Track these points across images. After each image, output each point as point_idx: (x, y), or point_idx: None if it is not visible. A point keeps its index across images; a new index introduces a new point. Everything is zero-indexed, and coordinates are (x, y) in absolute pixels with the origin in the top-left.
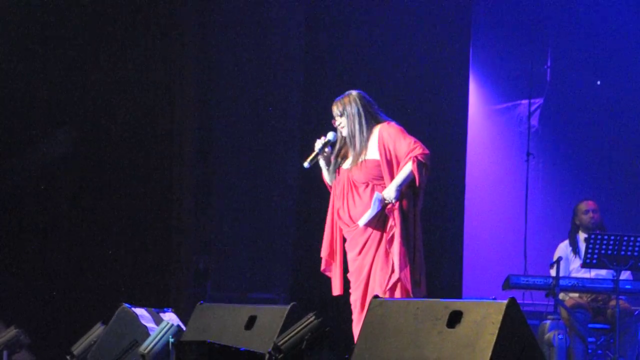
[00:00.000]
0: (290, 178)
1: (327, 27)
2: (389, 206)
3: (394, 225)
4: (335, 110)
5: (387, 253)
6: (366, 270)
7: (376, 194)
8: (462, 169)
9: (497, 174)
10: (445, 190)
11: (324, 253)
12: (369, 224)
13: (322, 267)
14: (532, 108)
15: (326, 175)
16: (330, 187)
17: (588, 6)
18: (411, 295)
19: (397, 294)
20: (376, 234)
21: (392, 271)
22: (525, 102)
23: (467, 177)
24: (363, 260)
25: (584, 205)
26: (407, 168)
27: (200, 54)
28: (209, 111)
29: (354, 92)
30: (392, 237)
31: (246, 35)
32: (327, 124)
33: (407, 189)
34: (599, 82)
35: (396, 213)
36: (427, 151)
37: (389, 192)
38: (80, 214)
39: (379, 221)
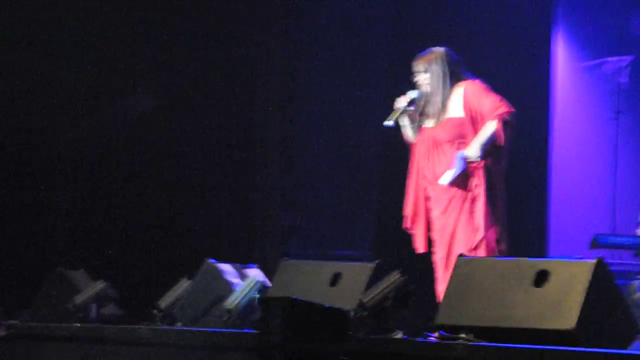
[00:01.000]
0: (374, 134)
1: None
2: (473, 164)
3: (479, 184)
4: (419, 66)
5: (471, 212)
6: (450, 229)
7: (459, 152)
8: (546, 125)
9: (586, 133)
10: (529, 149)
11: (407, 211)
12: (453, 183)
13: (406, 224)
14: (622, 65)
15: (409, 134)
16: (413, 144)
17: None
18: (496, 254)
19: (481, 253)
20: (461, 193)
21: (477, 230)
22: (613, 59)
23: (555, 135)
24: (447, 219)
25: None
26: (491, 126)
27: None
28: (293, 71)
29: (440, 49)
30: (477, 196)
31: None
32: (412, 84)
33: (491, 147)
34: None
35: (480, 172)
36: (512, 109)
37: (473, 151)
38: (167, 169)
39: (463, 180)
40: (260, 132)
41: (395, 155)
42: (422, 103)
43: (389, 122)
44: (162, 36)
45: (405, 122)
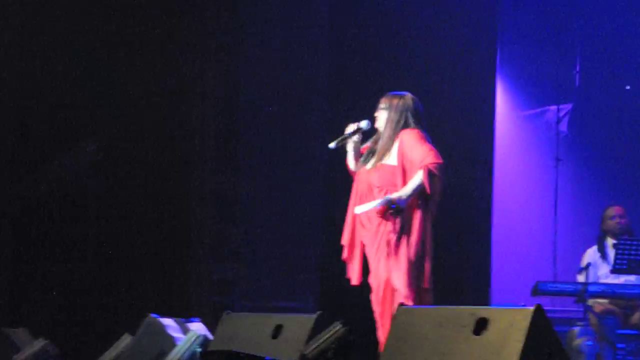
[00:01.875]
0: (317, 182)
1: (353, 30)
2: (393, 212)
3: (401, 231)
4: (382, 103)
5: (397, 257)
6: (381, 273)
7: (387, 196)
8: (490, 174)
9: (527, 180)
10: (473, 196)
11: (345, 241)
12: (382, 228)
13: (344, 255)
14: (561, 113)
15: (351, 162)
16: (353, 173)
17: (616, 10)
18: (419, 299)
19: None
20: (386, 239)
21: (402, 275)
22: (553, 107)
23: (496, 182)
24: (378, 263)
25: (611, 211)
26: (417, 177)
27: (224, 56)
28: (232, 116)
29: (409, 95)
30: (400, 242)
31: (271, 37)
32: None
33: (417, 197)
34: (628, 87)
35: (405, 219)
36: (440, 161)
37: (397, 197)
38: (105, 225)
39: (390, 226)
40: (199, 184)
41: (339, 202)
42: (372, 139)
43: (331, 145)
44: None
45: (349, 148)
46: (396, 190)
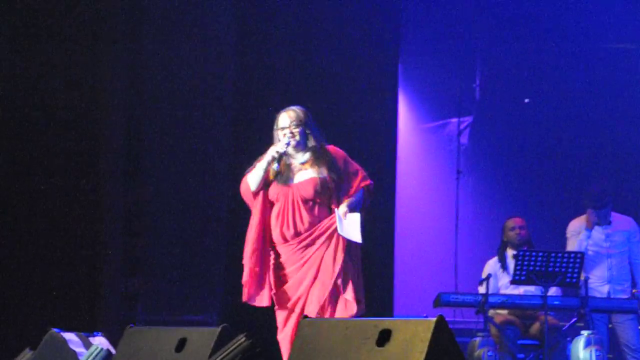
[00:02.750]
0: (220, 197)
1: (258, 42)
2: (333, 226)
3: (338, 245)
4: (291, 119)
5: (328, 271)
6: (305, 287)
7: (342, 208)
8: (392, 187)
9: (428, 192)
10: (376, 209)
11: (248, 261)
12: (310, 242)
13: (245, 277)
14: (462, 126)
15: (254, 183)
16: (253, 193)
17: (516, 25)
18: (354, 313)
19: (339, 311)
20: (319, 251)
21: (336, 289)
22: (454, 120)
23: (398, 195)
24: (305, 275)
25: (511, 222)
26: (359, 195)
27: (129, 66)
28: (138, 128)
29: (302, 108)
30: (336, 256)
31: (177, 48)
32: (259, 139)
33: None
34: (527, 100)
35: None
36: (372, 181)
37: (342, 211)
38: (5, 236)
39: (322, 238)
40: (105, 196)
41: (242, 216)
42: (287, 156)
43: (276, 166)
44: None
45: (260, 172)
46: (326, 203)
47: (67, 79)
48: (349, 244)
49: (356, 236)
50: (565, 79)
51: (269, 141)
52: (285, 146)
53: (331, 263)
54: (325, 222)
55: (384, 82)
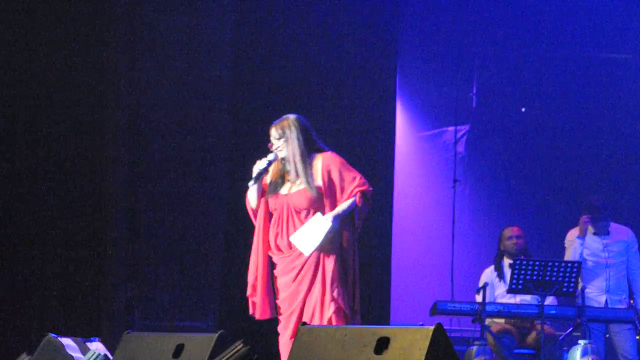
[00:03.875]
0: (218, 205)
1: (256, 47)
2: (329, 235)
3: (331, 253)
4: (274, 132)
5: (324, 280)
6: (301, 297)
7: (319, 217)
8: (390, 195)
9: (424, 200)
10: (373, 217)
11: (251, 277)
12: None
13: (249, 292)
14: (459, 135)
15: (253, 199)
16: (254, 210)
17: (512, 34)
18: (350, 321)
19: (334, 321)
20: (312, 260)
21: (331, 299)
22: (451, 128)
23: (395, 203)
24: (299, 286)
25: (508, 231)
26: (351, 201)
27: (130, 70)
28: (138, 136)
29: (292, 116)
30: (329, 264)
31: (175, 51)
32: (256, 148)
33: (345, 219)
34: (523, 109)
35: (334, 240)
36: (371, 188)
37: (329, 219)
38: (4, 241)
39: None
40: (106, 201)
41: (240, 224)
42: (274, 169)
43: (251, 184)
44: None
45: (254, 186)
46: (322, 211)
47: (70, 82)
48: (345, 253)
49: (305, 245)
50: (563, 88)
51: (266, 147)
52: (267, 163)
53: (328, 272)
54: (334, 236)
55: (381, 90)
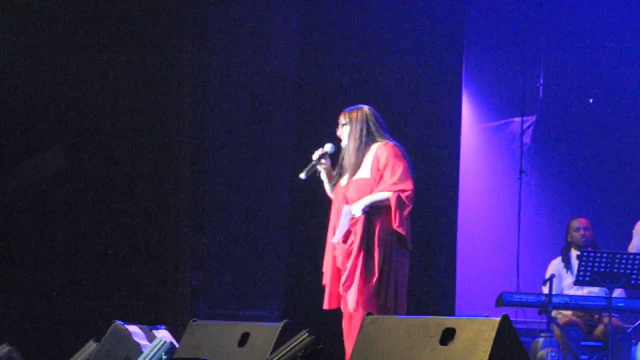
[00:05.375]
0: (283, 195)
1: (322, 43)
2: (352, 221)
3: (354, 240)
4: (342, 119)
5: (362, 273)
6: (344, 287)
7: (345, 207)
8: (455, 186)
9: (490, 191)
10: (438, 208)
11: (324, 267)
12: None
13: (324, 281)
14: (525, 126)
15: (327, 187)
16: (332, 199)
17: (580, 24)
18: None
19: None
20: (358, 252)
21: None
22: (517, 119)
23: (460, 194)
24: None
25: (575, 223)
26: (384, 194)
27: (196, 70)
28: (203, 130)
29: (365, 107)
30: (351, 251)
31: (241, 52)
32: (321, 140)
33: (379, 218)
34: (591, 100)
35: (359, 229)
36: (411, 190)
37: (355, 207)
38: (74, 231)
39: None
40: (172, 192)
41: (304, 213)
42: (341, 156)
43: (302, 175)
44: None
45: (322, 176)
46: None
47: (138, 83)
48: (380, 242)
49: (335, 237)
50: (630, 79)
51: (331, 140)
52: (320, 150)
53: (370, 263)
54: (364, 224)
55: (447, 80)
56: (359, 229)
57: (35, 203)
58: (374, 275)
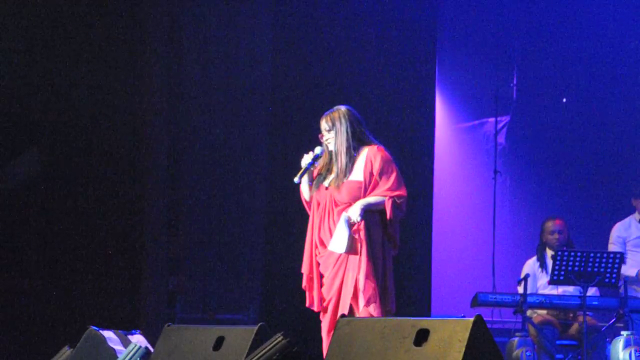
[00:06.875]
0: (259, 198)
1: (295, 43)
2: (355, 227)
3: (361, 246)
4: (324, 124)
5: (355, 277)
6: (335, 291)
7: (343, 215)
8: (430, 187)
9: (465, 192)
10: (413, 209)
11: (305, 269)
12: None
13: (304, 284)
14: (499, 126)
15: (305, 191)
16: (308, 202)
17: (552, 25)
18: (381, 315)
19: (364, 314)
20: (345, 255)
21: (359, 294)
22: (491, 120)
23: (435, 195)
24: (333, 280)
25: (550, 225)
26: (379, 198)
27: (169, 68)
28: (178, 131)
29: (343, 108)
30: (359, 258)
31: (214, 55)
32: (295, 142)
33: (372, 217)
34: (564, 100)
35: (362, 234)
36: (405, 194)
37: (352, 213)
38: (47, 235)
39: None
40: (146, 195)
41: (280, 217)
42: (323, 161)
43: (296, 179)
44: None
45: (305, 179)
46: None
47: (110, 83)
48: (378, 246)
49: (337, 245)
50: (604, 78)
51: (306, 141)
52: (311, 154)
53: (361, 265)
54: (355, 226)
55: (421, 81)
56: (362, 237)
57: (7, 207)
58: (378, 280)
